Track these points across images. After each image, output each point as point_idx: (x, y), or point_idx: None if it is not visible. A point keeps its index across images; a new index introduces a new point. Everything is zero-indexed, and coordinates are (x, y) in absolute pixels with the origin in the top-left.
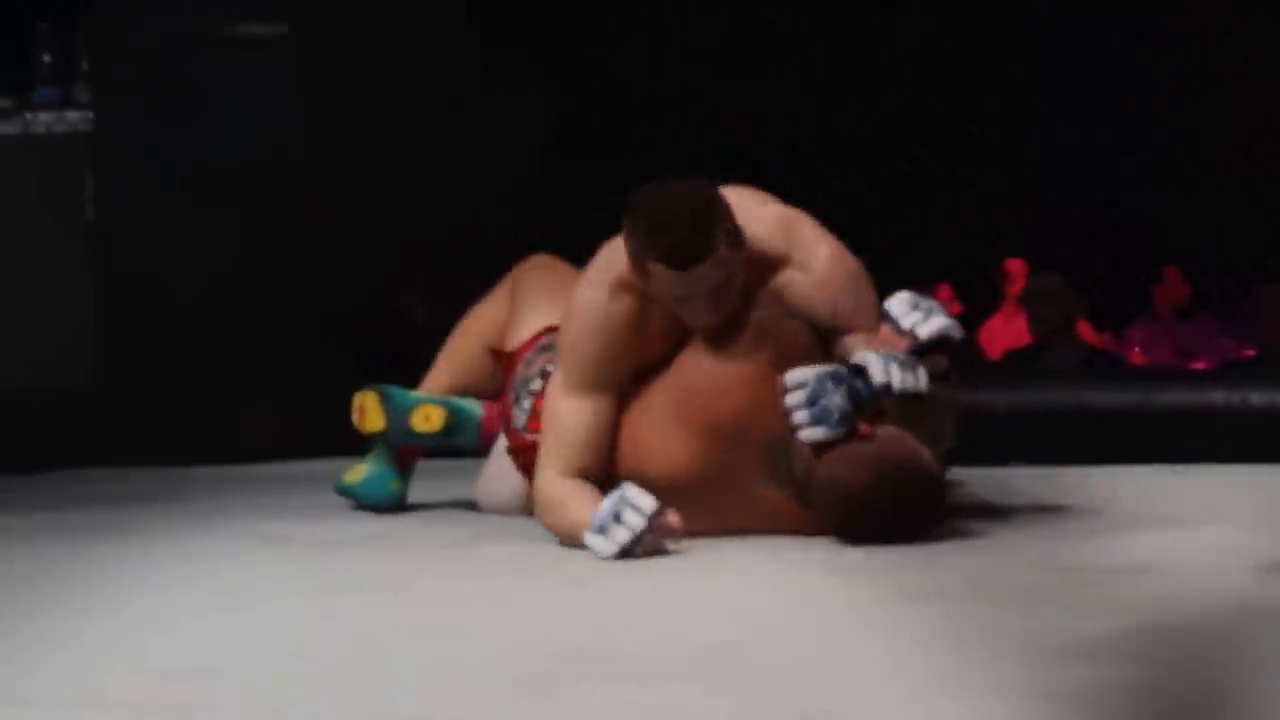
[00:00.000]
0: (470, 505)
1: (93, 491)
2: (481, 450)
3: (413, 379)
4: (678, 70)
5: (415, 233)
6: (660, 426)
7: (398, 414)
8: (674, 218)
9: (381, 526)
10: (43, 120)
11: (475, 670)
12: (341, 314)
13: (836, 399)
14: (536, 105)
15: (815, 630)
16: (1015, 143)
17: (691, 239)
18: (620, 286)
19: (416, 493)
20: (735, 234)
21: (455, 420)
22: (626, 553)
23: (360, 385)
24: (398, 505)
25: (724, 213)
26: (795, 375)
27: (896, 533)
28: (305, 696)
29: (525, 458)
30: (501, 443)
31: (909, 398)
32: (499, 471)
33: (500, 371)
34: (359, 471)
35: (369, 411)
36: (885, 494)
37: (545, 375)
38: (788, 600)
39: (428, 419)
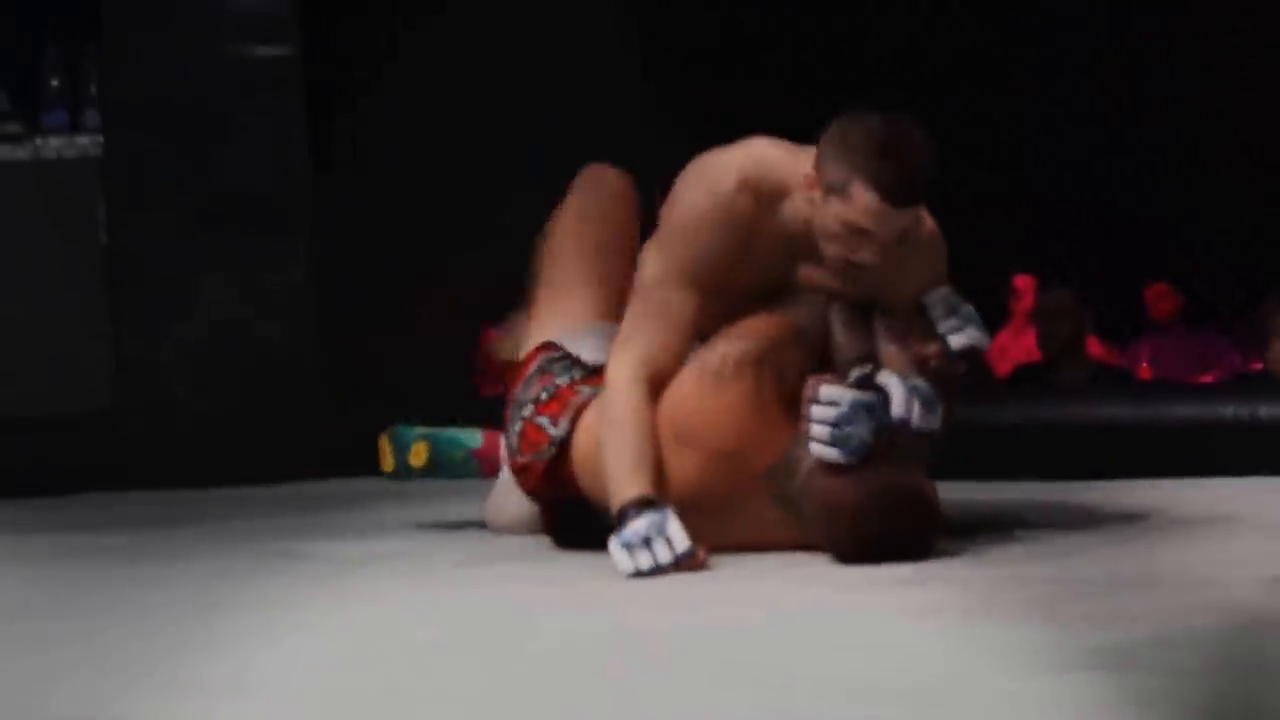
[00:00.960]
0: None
1: (113, 515)
2: (490, 475)
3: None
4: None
5: (430, 253)
6: (660, 444)
7: (400, 453)
8: (907, 150)
9: (399, 545)
10: (53, 145)
11: (500, 688)
12: (357, 335)
13: (862, 430)
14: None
15: (830, 646)
16: (1021, 157)
17: (917, 178)
18: (746, 186)
19: (432, 511)
20: None
21: (437, 457)
22: (641, 576)
23: (375, 407)
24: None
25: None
26: (830, 392)
27: (888, 552)
28: (346, 714)
29: (524, 480)
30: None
31: (919, 434)
32: (506, 491)
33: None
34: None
35: (382, 453)
36: (875, 514)
37: (538, 401)
38: (797, 616)
39: (417, 455)
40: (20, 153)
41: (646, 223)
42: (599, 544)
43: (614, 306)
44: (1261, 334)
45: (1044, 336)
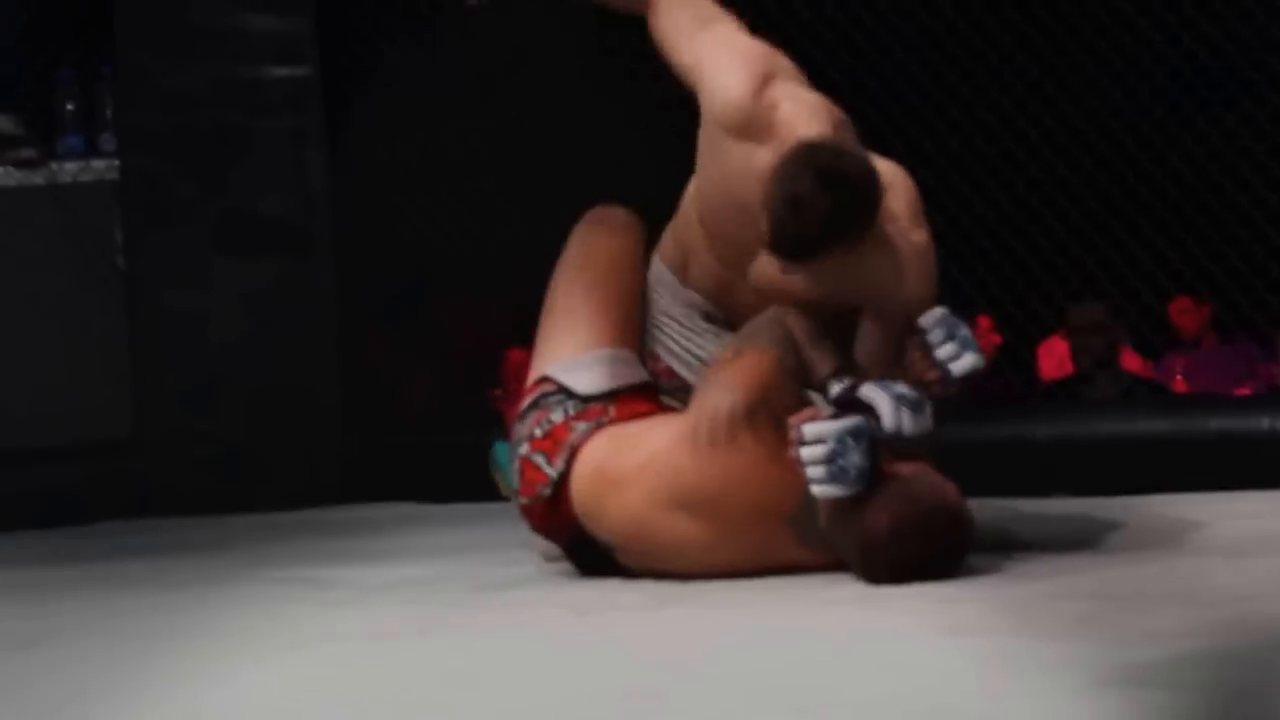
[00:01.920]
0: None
1: (132, 543)
2: None
3: None
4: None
5: (450, 275)
6: (670, 522)
7: (504, 473)
8: (808, 210)
9: (419, 570)
10: (69, 169)
11: (520, 714)
12: (376, 358)
13: (855, 458)
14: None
15: (863, 666)
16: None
17: (802, 245)
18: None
19: (452, 536)
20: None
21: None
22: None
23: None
24: None
25: (862, 229)
26: (813, 429)
27: (928, 574)
28: None
29: (529, 519)
30: None
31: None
32: None
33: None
34: None
35: (497, 477)
36: (909, 541)
37: (532, 438)
38: (834, 637)
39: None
40: (36, 178)
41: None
42: (620, 570)
43: (618, 335)
44: None
45: (1077, 350)
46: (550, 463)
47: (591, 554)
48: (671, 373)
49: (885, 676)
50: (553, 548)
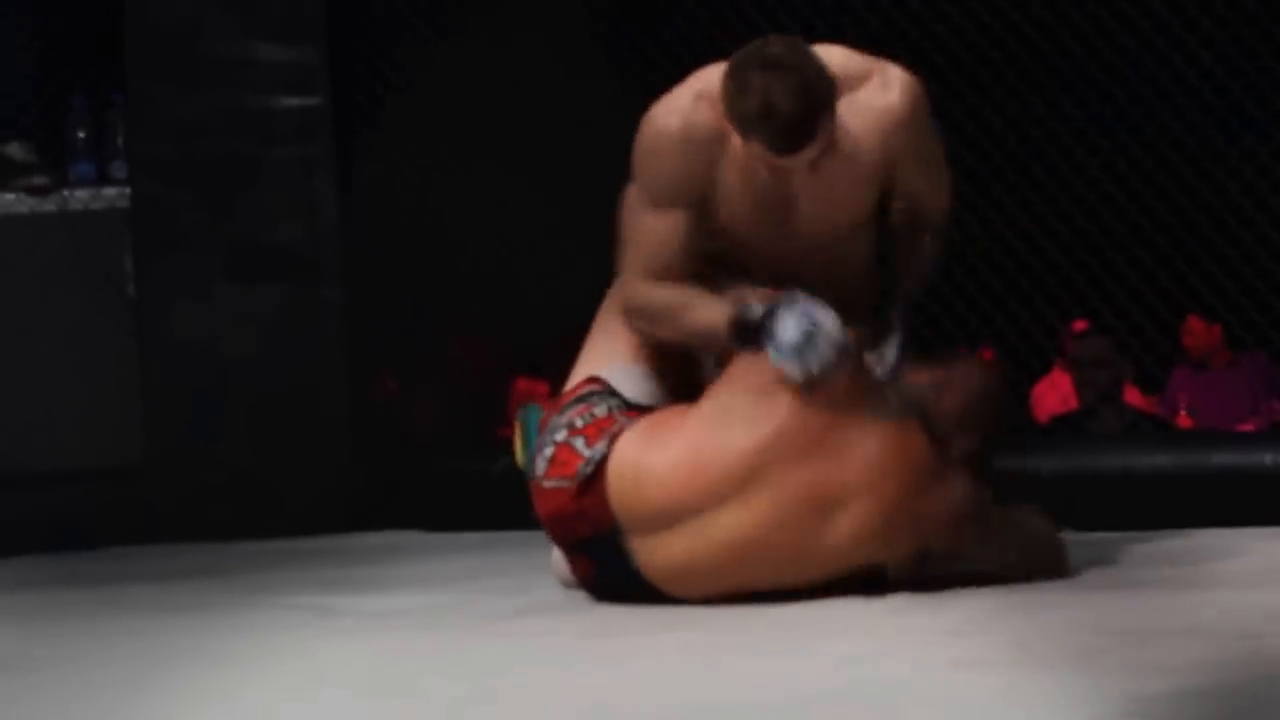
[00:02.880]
0: (529, 572)
1: (140, 568)
2: None
3: None
4: None
5: (459, 303)
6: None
7: (528, 437)
8: (782, 103)
9: (425, 599)
10: (80, 197)
11: None
12: (385, 386)
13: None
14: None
15: (868, 699)
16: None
17: (799, 127)
18: (702, 97)
19: (459, 564)
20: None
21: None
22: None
23: (403, 460)
24: None
25: (831, 93)
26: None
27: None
28: None
29: (542, 503)
30: None
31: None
32: None
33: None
34: None
35: (516, 443)
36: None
37: (572, 427)
38: (841, 669)
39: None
40: (48, 205)
41: None
42: (633, 597)
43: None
44: None
45: (1081, 384)
46: (590, 445)
47: (599, 548)
48: None
49: (890, 710)
50: (569, 575)
